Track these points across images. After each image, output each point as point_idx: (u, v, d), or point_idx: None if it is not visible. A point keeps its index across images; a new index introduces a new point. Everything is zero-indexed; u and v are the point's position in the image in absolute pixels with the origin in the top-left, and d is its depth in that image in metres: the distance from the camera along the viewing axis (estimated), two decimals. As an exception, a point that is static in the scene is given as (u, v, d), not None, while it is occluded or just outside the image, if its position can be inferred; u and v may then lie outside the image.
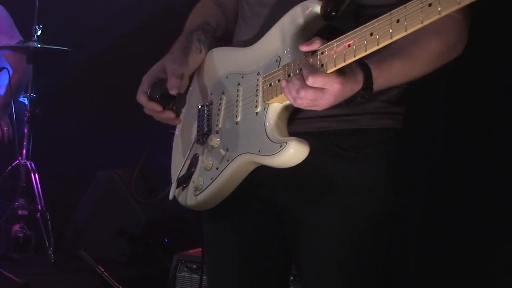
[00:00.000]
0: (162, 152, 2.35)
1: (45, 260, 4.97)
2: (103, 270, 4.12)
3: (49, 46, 5.20)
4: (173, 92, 1.98)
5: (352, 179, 1.97)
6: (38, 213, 5.07)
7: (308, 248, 2.01)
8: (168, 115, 2.03)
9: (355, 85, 1.76)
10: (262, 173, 1.95)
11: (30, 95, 5.31)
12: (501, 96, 3.45)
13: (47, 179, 5.32)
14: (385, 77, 1.82)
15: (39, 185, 5.17)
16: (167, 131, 2.32)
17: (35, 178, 5.18)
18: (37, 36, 5.22)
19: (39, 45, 5.16)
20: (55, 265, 4.92)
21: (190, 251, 3.77)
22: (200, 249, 3.75)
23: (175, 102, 2.00)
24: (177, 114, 2.03)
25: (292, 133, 1.92)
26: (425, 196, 3.70)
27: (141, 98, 2.02)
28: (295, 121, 1.95)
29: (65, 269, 4.89)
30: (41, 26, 5.22)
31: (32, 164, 5.24)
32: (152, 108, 2.02)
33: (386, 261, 2.05)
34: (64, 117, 5.94)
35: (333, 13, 1.78)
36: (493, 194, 3.49)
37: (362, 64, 1.77)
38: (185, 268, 3.62)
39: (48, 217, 5.08)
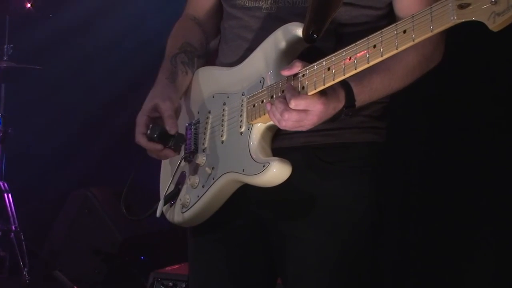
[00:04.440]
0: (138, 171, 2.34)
1: (20, 281, 4.92)
2: (78, 290, 4.10)
3: (20, 65, 5.18)
4: (172, 132, 2.01)
5: (336, 193, 2.00)
6: (12, 234, 5.01)
7: (294, 261, 2.02)
8: (167, 153, 2.04)
9: (338, 104, 1.81)
10: (249, 189, 1.95)
11: (2, 114, 5.28)
12: (484, 105, 3.49)
13: (20, 199, 5.28)
14: (366, 93, 1.86)
15: (12, 205, 5.12)
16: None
17: (8, 198, 5.14)
18: (8, 55, 5.20)
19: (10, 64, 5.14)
20: (30, 286, 4.86)
21: (167, 268, 3.75)
22: (176, 266, 3.78)
23: (173, 139, 2.02)
24: (177, 151, 2.05)
25: (277, 149, 1.95)
26: (406, 209, 3.72)
27: (141, 139, 2.03)
28: (280, 137, 1.97)
29: (40, 290, 4.85)
30: (11, 45, 5.21)
31: (5, 184, 5.20)
32: (153, 148, 2.03)
33: (371, 272, 2.07)
34: (37, 136, 5.90)
35: (315, 36, 1.81)
36: (476, 203, 3.52)
37: (343, 82, 1.80)
38: (161, 286, 3.60)
39: (22, 238, 5.03)
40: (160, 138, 2.00)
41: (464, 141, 3.56)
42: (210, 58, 2.27)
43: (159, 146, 2.02)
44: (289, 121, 1.79)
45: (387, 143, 2.09)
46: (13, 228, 5.03)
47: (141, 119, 2.04)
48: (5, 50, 5.20)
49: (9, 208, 5.08)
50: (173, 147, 2.03)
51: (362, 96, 1.85)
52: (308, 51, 1.90)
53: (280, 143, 1.97)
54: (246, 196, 2.01)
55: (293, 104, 1.76)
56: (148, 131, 2.00)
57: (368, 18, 1.98)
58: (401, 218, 3.69)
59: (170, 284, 3.57)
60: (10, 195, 5.15)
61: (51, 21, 5.82)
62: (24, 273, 4.90)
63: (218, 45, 2.25)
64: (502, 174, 3.45)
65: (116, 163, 5.47)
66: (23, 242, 5.01)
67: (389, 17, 1.99)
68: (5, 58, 5.21)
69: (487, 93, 3.47)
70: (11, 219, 5.05)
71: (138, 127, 2.03)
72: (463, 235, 3.57)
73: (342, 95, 1.81)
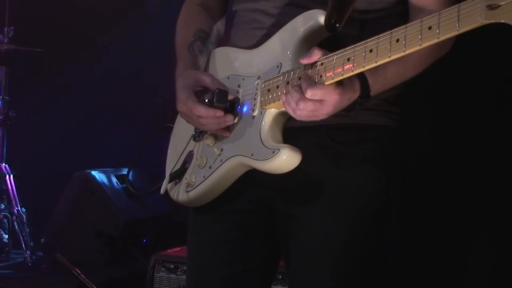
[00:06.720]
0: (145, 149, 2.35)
1: (22, 264, 4.94)
2: (79, 273, 4.09)
3: (21, 48, 5.17)
4: (231, 97, 1.98)
5: (346, 175, 1.99)
6: (14, 216, 5.02)
7: (299, 241, 2.01)
8: (229, 118, 1.99)
9: (353, 94, 1.80)
10: (256, 170, 1.93)
11: (3, 97, 5.27)
12: (492, 95, 3.47)
13: (22, 181, 5.29)
14: (381, 82, 1.85)
15: (14, 188, 5.14)
16: (163, 125, 2.32)
17: (10, 180, 5.15)
18: (9, 37, 5.19)
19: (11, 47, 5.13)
20: (32, 269, 4.88)
21: (168, 251, 3.76)
22: (178, 248, 3.78)
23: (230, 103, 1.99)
24: (235, 116, 2.00)
25: (289, 128, 1.94)
26: (417, 194, 3.71)
27: (200, 107, 1.97)
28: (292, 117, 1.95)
29: (42, 273, 4.86)
30: (12, 27, 5.19)
31: (7, 167, 5.20)
32: (213, 114, 1.97)
33: (379, 258, 2.06)
34: (39, 119, 5.90)
35: (337, 25, 1.79)
36: (486, 193, 3.51)
37: (358, 73, 1.78)
38: (162, 268, 3.61)
39: (25, 220, 5.04)
40: (229, 104, 1.97)
41: (467, 139, 3.55)
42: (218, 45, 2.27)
43: (221, 113, 1.96)
44: (304, 111, 1.78)
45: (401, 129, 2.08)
46: (15, 210, 5.05)
47: (184, 93, 2.01)
48: (6, 32, 5.18)
49: (10, 191, 5.10)
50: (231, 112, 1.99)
51: (377, 86, 1.84)
52: (328, 40, 1.88)
53: (292, 122, 1.93)
54: (254, 178, 2.00)
55: (309, 94, 1.74)
56: (215, 98, 1.95)
57: (385, 4, 1.97)
58: (399, 215, 3.67)
59: (172, 266, 3.58)
60: (11, 177, 5.16)
61: (52, 2, 5.79)
62: (26, 255, 4.92)
63: (230, 29, 2.23)
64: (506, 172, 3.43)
65: (119, 145, 5.47)
66: (25, 225, 5.02)
67: (403, 2, 1.98)
68: (6, 41, 5.19)
69: (493, 93, 3.45)
70: (13, 201, 5.08)
71: (190, 97, 1.99)
72: (462, 234, 3.56)
73: (357, 85, 1.80)
